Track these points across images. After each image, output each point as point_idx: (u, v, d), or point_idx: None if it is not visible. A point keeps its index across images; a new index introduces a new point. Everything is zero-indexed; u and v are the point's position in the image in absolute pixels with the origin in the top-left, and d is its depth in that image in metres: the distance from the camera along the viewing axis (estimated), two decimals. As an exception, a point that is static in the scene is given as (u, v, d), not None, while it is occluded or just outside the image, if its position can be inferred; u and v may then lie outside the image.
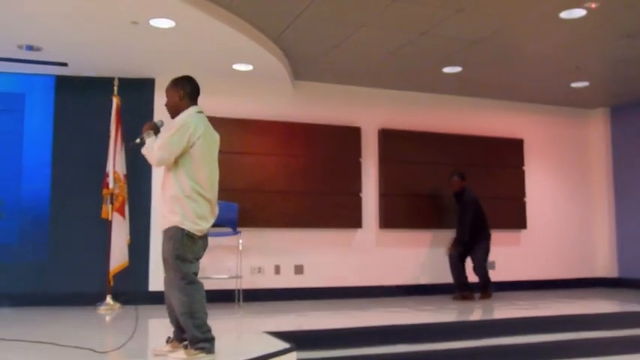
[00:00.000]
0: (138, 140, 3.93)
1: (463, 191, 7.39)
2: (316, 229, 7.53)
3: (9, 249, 6.58)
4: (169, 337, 3.81)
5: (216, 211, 3.84)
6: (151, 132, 3.87)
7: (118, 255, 6.28)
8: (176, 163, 3.70)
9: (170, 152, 3.66)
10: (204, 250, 3.82)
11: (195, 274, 3.70)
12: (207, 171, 3.75)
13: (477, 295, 7.30)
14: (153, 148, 3.73)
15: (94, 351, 3.82)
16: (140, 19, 5.27)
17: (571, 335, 5.40)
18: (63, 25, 5.44)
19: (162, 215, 3.77)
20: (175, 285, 3.63)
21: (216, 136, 3.91)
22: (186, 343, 3.59)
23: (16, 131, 6.76)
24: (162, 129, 3.95)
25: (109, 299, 6.29)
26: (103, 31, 5.58)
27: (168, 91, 3.92)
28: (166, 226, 3.69)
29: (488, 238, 7.37)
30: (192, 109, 3.85)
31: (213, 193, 3.79)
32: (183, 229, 3.64)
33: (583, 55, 6.82)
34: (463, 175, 7.49)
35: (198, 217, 3.69)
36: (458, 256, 7.26)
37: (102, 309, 6.21)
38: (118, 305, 6.27)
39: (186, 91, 3.87)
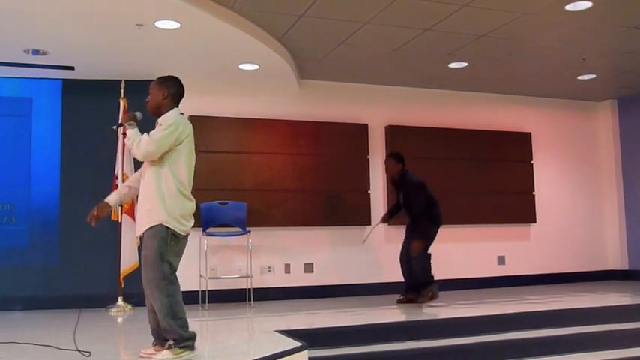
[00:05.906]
0: (114, 127, 4.01)
1: (404, 175, 6.61)
2: (325, 227, 7.55)
3: (20, 252, 6.61)
4: (154, 340, 3.75)
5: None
6: (134, 123, 3.83)
7: (128, 257, 6.29)
8: (161, 160, 3.67)
9: (158, 147, 3.62)
10: (184, 249, 3.78)
11: (174, 273, 3.65)
12: (188, 171, 3.76)
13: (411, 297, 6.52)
14: (140, 142, 3.66)
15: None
16: (145, 21, 5.28)
17: (582, 328, 5.39)
18: (69, 29, 5.46)
19: (141, 216, 3.69)
20: (155, 286, 3.54)
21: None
22: (170, 343, 3.54)
23: (25, 135, 6.79)
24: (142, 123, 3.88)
25: (120, 301, 6.33)
26: (108, 33, 5.60)
27: (152, 88, 3.86)
28: (150, 225, 3.62)
29: (435, 223, 6.57)
30: (175, 111, 3.81)
31: (190, 193, 3.79)
32: (168, 228, 3.60)
33: (589, 48, 6.78)
34: (399, 156, 6.66)
35: (183, 217, 3.68)
36: (405, 253, 6.62)
37: (113, 311, 6.24)
38: (129, 307, 6.30)
39: (170, 91, 3.83)
